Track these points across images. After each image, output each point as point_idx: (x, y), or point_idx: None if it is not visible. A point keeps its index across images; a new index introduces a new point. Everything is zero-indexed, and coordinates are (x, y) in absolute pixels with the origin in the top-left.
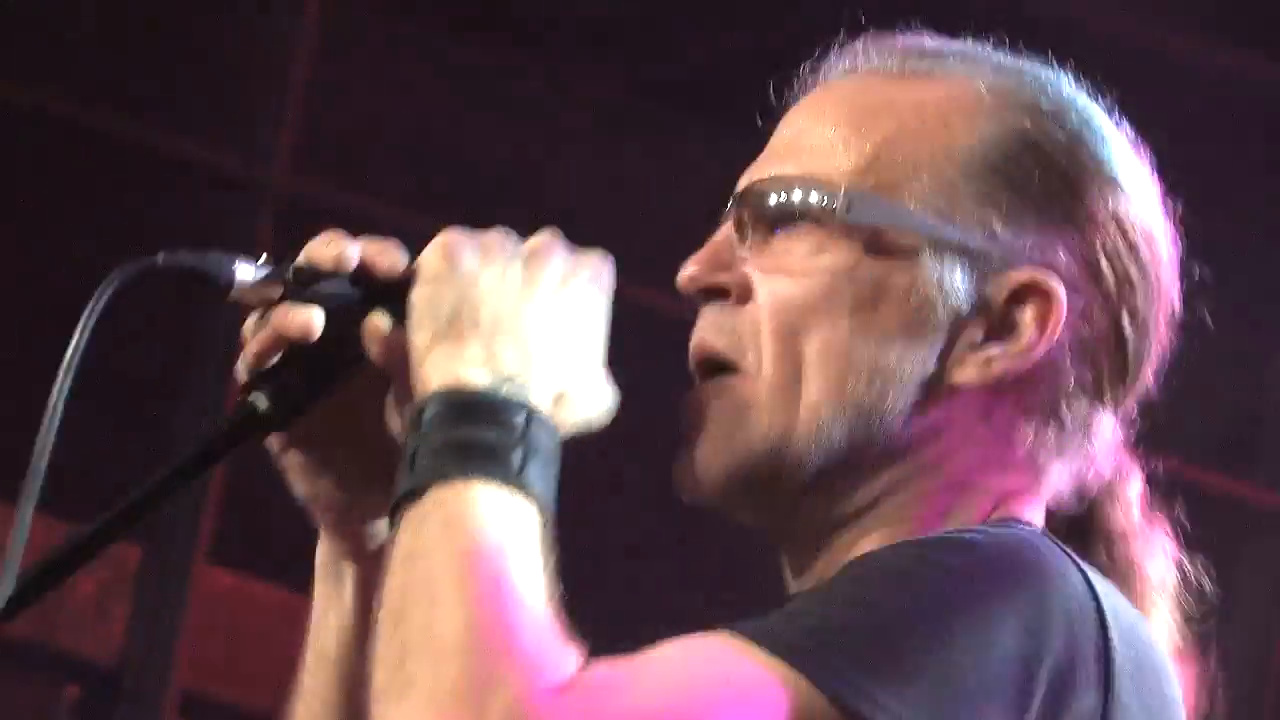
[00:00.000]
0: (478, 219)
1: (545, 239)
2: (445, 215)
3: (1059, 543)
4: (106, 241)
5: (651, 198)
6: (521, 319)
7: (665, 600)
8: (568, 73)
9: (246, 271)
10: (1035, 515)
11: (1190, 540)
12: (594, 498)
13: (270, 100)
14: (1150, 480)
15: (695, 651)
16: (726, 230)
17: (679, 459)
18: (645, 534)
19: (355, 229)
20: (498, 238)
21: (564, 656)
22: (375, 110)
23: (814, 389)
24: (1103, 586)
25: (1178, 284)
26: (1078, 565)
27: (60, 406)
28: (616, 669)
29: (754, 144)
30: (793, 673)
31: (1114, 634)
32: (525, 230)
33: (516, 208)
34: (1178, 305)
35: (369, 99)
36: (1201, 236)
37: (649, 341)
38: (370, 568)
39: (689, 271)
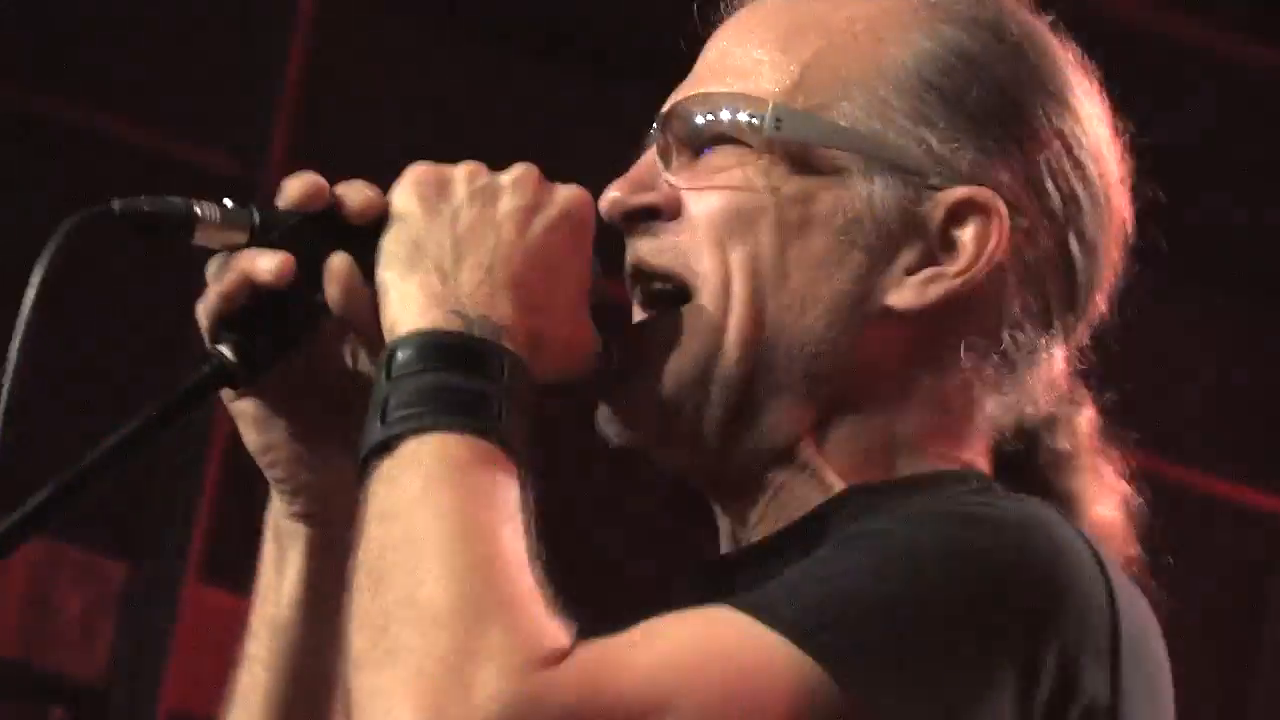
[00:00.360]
0: None
1: (522, 171)
2: None
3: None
4: None
5: None
6: (495, 256)
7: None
8: (572, 71)
9: (209, 215)
10: (982, 458)
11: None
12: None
13: (267, 99)
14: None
15: (695, 627)
16: (650, 155)
17: (608, 401)
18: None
19: None
20: (471, 171)
21: (555, 628)
22: (374, 110)
23: (739, 310)
24: (1109, 561)
25: (1130, 206)
26: (1085, 539)
27: (16, 359)
28: (614, 645)
29: None
30: (796, 651)
31: (1121, 612)
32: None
33: None
34: (1130, 228)
35: (367, 98)
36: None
37: None
38: (324, 532)
39: (612, 195)
